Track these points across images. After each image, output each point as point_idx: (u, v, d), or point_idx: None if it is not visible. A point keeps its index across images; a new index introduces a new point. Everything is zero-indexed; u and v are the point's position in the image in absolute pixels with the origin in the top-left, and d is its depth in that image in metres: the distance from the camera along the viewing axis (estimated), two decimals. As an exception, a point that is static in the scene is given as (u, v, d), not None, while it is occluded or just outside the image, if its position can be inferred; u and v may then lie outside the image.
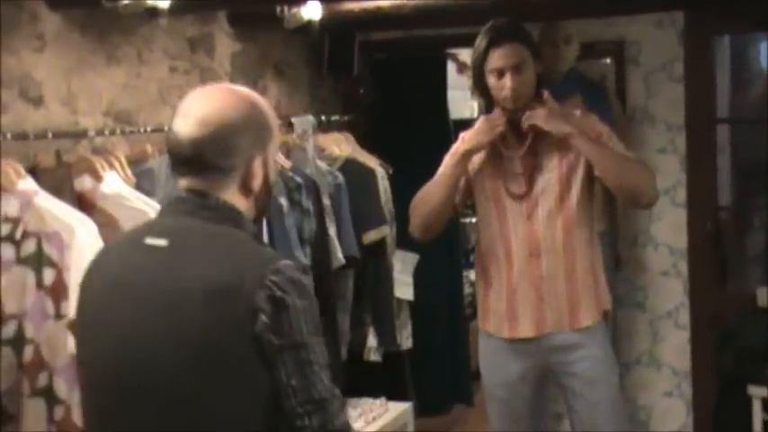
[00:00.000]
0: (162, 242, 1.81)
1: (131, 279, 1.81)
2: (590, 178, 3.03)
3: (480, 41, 3.00)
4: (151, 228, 1.91)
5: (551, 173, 3.01)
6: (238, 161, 1.84)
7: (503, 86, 2.95)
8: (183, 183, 1.86)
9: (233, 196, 1.86)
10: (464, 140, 3.07)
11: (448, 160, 3.09)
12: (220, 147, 1.81)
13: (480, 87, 3.03)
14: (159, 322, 1.75)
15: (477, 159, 3.09)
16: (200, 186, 1.84)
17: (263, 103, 1.91)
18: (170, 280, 1.76)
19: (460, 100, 5.91)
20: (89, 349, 1.88)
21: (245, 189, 1.86)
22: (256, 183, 1.87)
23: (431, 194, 3.08)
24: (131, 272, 1.82)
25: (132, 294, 1.80)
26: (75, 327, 1.99)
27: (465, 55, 5.36)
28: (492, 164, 3.07)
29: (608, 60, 4.74)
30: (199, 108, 1.83)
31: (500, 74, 2.95)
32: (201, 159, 1.82)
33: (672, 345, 4.67)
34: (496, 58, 2.94)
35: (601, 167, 2.94)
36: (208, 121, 1.81)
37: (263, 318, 1.70)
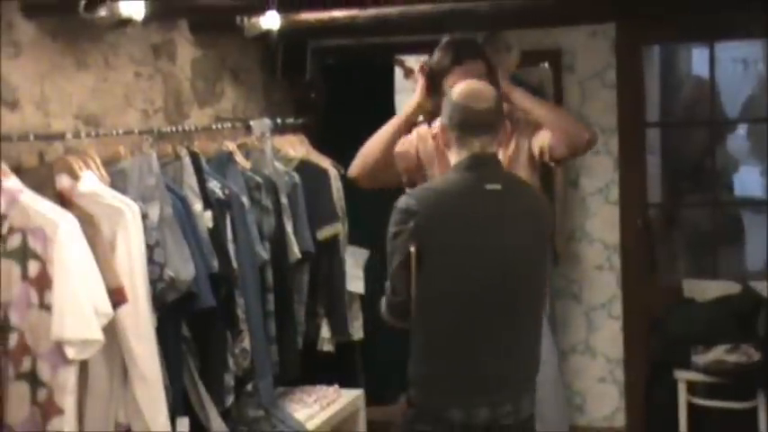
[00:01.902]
0: (498, 186, 2.69)
1: (487, 212, 2.68)
2: (531, 166, 3.29)
3: (442, 57, 3.23)
4: (480, 178, 2.69)
5: None
6: (502, 124, 2.77)
7: None
8: (477, 144, 2.69)
9: (496, 148, 2.79)
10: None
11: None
12: (498, 114, 2.75)
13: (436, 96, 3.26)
14: (517, 233, 2.69)
15: (430, 147, 3.34)
16: (488, 145, 2.72)
17: None
18: (514, 209, 2.72)
19: (407, 103, 6.11)
20: (457, 264, 2.65)
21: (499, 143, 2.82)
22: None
23: (376, 137, 3.39)
24: (486, 208, 2.69)
25: (494, 222, 2.67)
26: (412, 258, 2.64)
27: (412, 61, 5.59)
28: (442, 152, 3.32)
29: (546, 65, 5.02)
30: (479, 92, 2.74)
31: None
32: (491, 124, 2.71)
33: (605, 334, 4.95)
34: (459, 76, 3.17)
35: (537, 113, 3.29)
36: (490, 99, 2.72)
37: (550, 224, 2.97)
